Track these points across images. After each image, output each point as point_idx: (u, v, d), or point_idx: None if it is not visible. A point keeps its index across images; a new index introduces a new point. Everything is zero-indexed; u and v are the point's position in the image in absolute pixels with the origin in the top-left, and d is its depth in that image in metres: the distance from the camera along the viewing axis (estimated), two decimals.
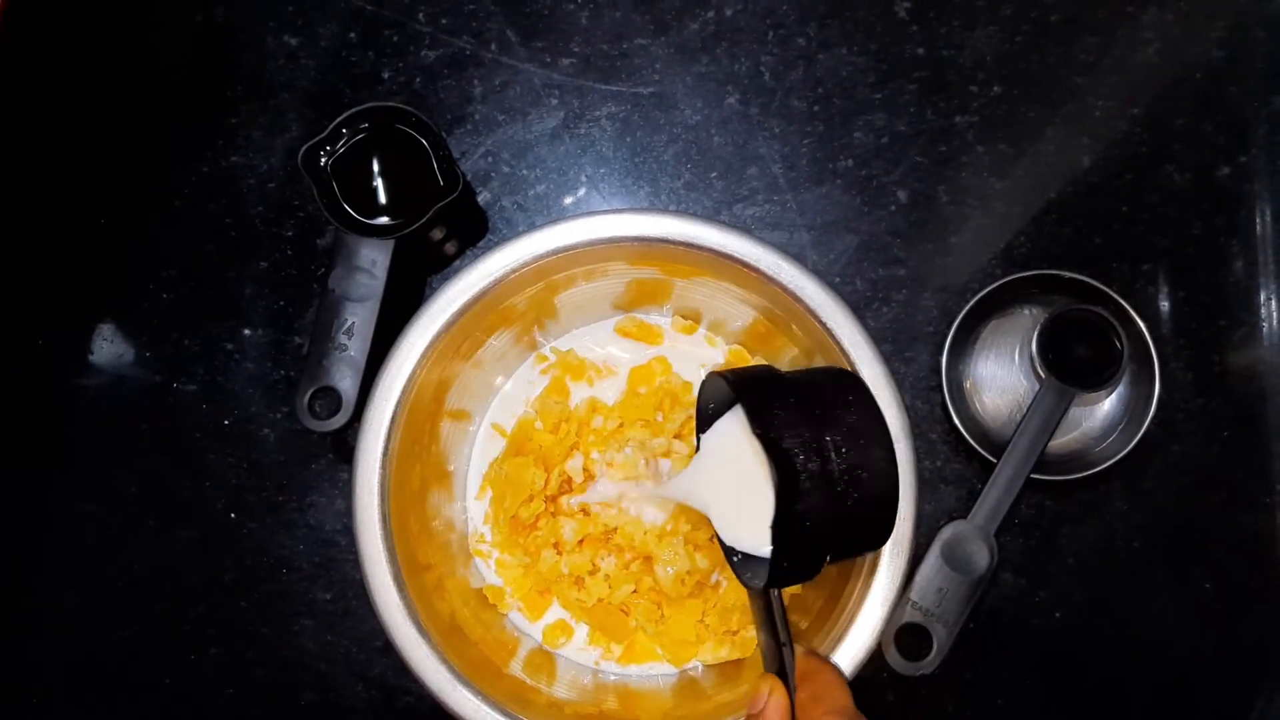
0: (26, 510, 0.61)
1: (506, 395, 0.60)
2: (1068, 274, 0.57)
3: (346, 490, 0.51)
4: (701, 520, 0.56)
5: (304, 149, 0.54)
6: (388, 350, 0.52)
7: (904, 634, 0.53)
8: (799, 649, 0.46)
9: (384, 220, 0.55)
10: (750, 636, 0.56)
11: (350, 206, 0.55)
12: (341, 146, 0.55)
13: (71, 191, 0.64)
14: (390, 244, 0.54)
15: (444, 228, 0.58)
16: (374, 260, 0.54)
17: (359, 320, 0.53)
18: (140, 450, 0.61)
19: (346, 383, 0.53)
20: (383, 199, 0.55)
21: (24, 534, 0.61)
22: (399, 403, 0.52)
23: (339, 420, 0.53)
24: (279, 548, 0.60)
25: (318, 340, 0.53)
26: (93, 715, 0.59)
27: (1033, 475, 0.54)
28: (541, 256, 0.52)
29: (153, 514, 0.60)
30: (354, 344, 0.53)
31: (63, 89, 0.64)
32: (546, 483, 0.56)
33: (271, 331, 0.61)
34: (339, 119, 0.55)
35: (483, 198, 0.62)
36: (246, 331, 0.61)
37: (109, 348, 0.62)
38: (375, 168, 0.55)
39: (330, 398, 0.53)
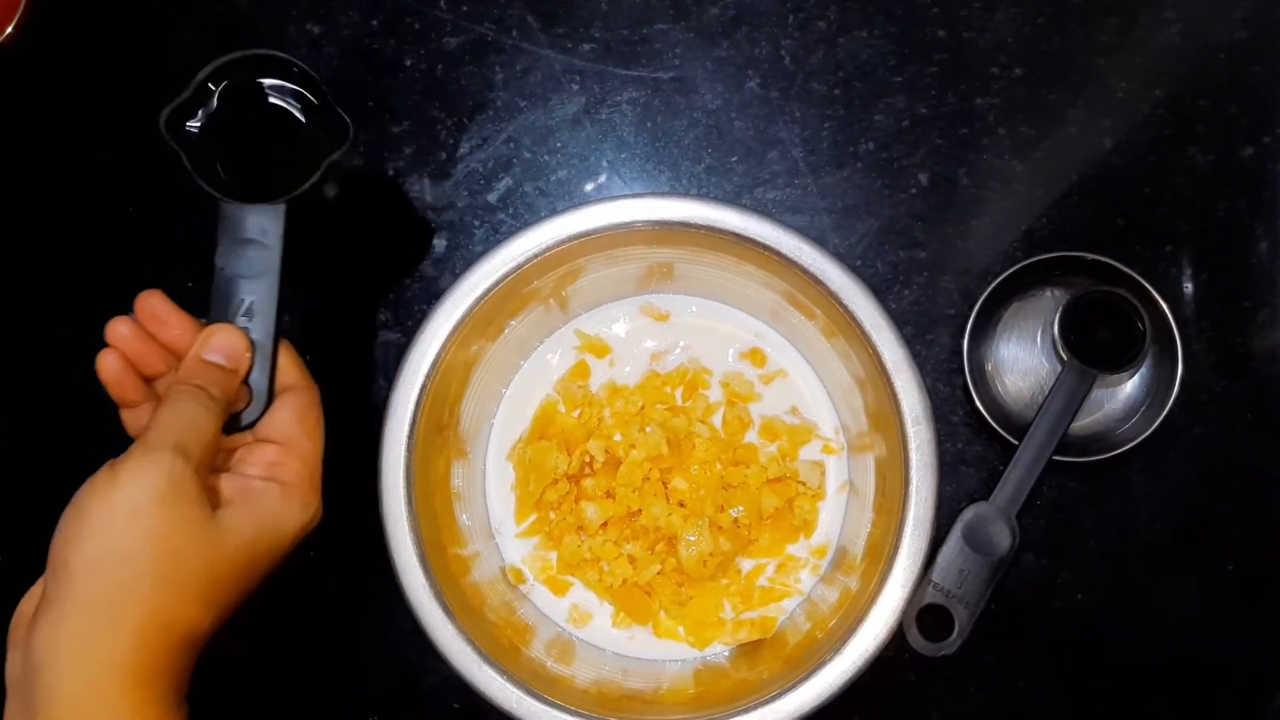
0: (50, 505, 0.62)
1: (528, 378, 0.60)
2: (1089, 256, 0.57)
3: (372, 473, 0.52)
4: (726, 502, 0.56)
5: (166, 111, 0.47)
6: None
7: (925, 615, 0.53)
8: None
9: (268, 185, 0.48)
10: (770, 617, 0.57)
11: (229, 173, 0.48)
12: (214, 106, 0.48)
13: (99, 181, 0.64)
14: (281, 209, 0.47)
15: (337, 183, 0.53)
16: (264, 229, 0.47)
17: (257, 299, 0.47)
18: None
19: (254, 371, 0.46)
20: (265, 162, 0.50)
21: (47, 529, 0.62)
22: (423, 388, 0.52)
23: (250, 415, 0.47)
24: None
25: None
26: None
27: (1054, 457, 0.54)
28: (564, 241, 0.53)
29: None
30: (255, 326, 0.47)
31: (88, 80, 0.65)
32: (569, 466, 0.56)
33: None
34: (201, 74, 0.48)
35: (504, 184, 0.62)
36: None
37: None
38: (254, 128, 0.50)
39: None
